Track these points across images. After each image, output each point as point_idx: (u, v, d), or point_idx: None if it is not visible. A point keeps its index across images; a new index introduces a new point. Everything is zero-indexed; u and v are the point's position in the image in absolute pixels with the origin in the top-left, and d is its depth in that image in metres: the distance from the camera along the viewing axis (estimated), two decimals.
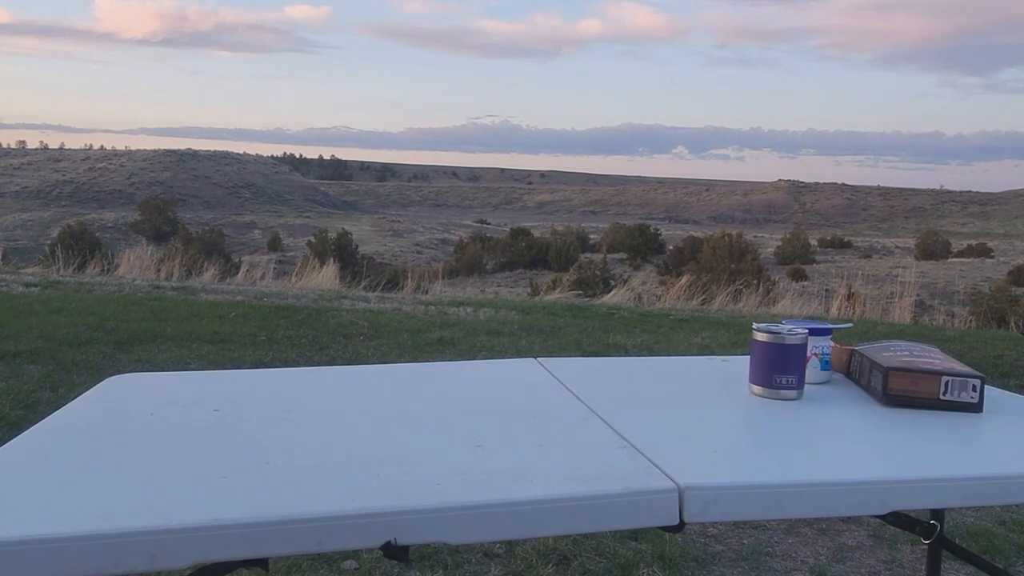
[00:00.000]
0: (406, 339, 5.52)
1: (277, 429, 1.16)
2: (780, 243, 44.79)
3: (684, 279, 10.03)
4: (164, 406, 1.25)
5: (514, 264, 36.73)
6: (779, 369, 1.34)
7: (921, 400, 1.27)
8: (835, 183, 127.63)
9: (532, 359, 1.61)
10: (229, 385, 1.42)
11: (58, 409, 1.23)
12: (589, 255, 35.93)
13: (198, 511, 0.86)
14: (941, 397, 1.26)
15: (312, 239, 32.61)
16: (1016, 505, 2.81)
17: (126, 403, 1.28)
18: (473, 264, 34.92)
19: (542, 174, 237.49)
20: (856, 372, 1.46)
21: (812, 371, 1.43)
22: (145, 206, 50.79)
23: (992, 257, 41.12)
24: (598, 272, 20.88)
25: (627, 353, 5.40)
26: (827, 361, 1.45)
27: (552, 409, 1.29)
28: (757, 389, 1.36)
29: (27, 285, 7.20)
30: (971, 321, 8.82)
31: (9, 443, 1.07)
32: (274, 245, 43.35)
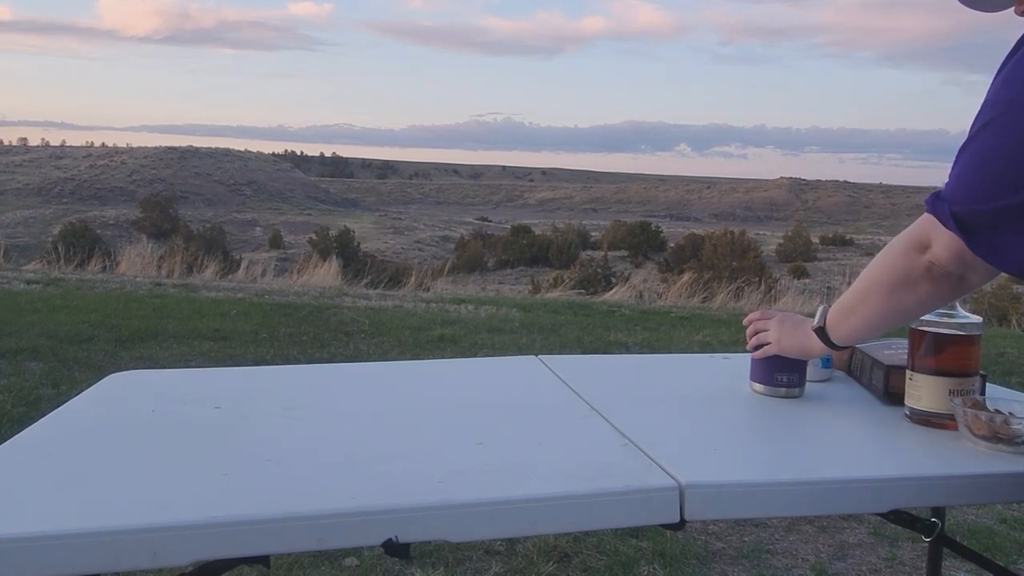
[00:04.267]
0: (407, 337, 5.52)
1: (278, 427, 1.16)
2: (782, 241, 44.79)
3: (685, 277, 10.03)
4: (165, 403, 1.25)
5: (515, 262, 36.76)
6: (779, 367, 1.34)
7: None
8: (837, 180, 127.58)
9: (533, 356, 1.61)
10: (230, 383, 1.42)
11: (59, 406, 1.23)
12: (590, 253, 35.95)
13: (199, 508, 0.86)
14: None
15: (313, 236, 32.64)
16: (1017, 503, 2.81)
17: (127, 400, 1.29)
18: (474, 262, 34.95)
19: (543, 171, 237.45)
20: (857, 370, 1.46)
21: (813, 369, 1.43)
22: (146, 203, 50.84)
23: None
24: (599, 270, 20.88)
25: (628, 351, 5.40)
26: (828, 359, 1.45)
27: (553, 407, 1.29)
28: (758, 387, 1.36)
29: (28, 282, 7.21)
30: None
31: (11, 440, 1.07)
32: (275, 243, 43.39)
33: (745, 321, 1.40)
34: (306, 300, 6.94)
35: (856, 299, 1.15)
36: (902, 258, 1.07)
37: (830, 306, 1.21)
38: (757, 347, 1.35)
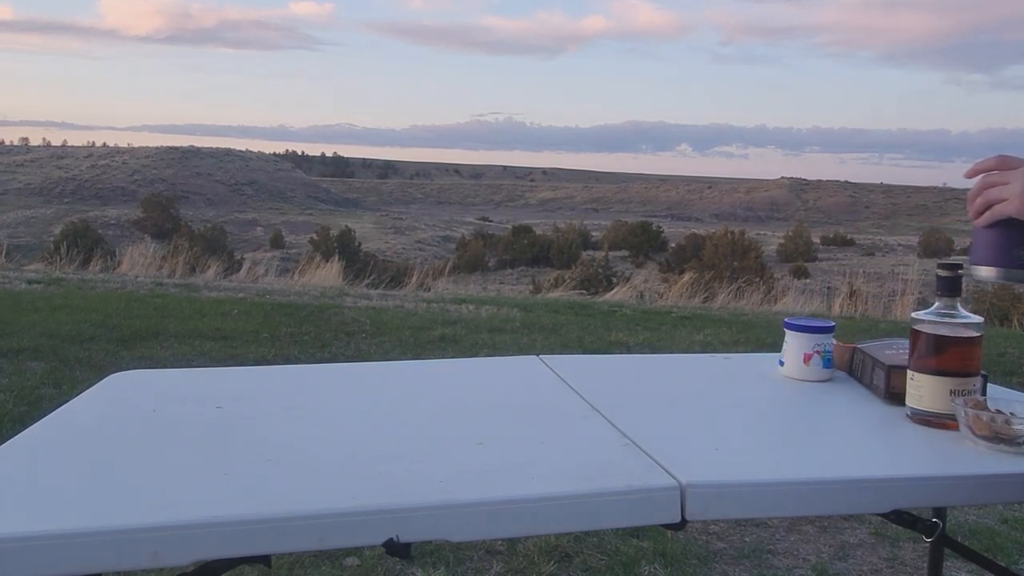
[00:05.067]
0: (408, 336, 5.52)
1: (279, 426, 1.16)
2: (782, 241, 44.78)
3: (686, 277, 10.03)
4: (166, 403, 1.25)
5: (516, 262, 36.74)
6: (1021, 239, 0.98)
7: None
8: (838, 180, 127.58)
9: (534, 356, 1.61)
10: (231, 382, 1.43)
11: (61, 406, 1.23)
12: (591, 253, 35.95)
13: (200, 508, 0.86)
14: None
15: (314, 236, 32.63)
16: (1018, 503, 2.81)
17: (128, 400, 1.29)
18: (475, 262, 34.94)
19: (544, 171, 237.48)
20: (858, 370, 1.46)
21: (814, 369, 1.43)
22: (148, 203, 50.83)
23: None
24: (600, 270, 20.88)
25: (629, 351, 5.40)
26: (829, 359, 1.45)
27: (554, 406, 1.29)
28: (986, 271, 1.04)
29: (30, 282, 7.21)
30: None
31: (12, 440, 1.07)
32: (276, 242, 43.38)
33: (968, 172, 1.00)
34: (307, 300, 6.94)
35: None
36: None
37: None
38: (989, 206, 0.98)
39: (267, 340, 5.23)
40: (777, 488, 0.98)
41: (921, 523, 1.35)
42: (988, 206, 0.98)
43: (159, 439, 1.10)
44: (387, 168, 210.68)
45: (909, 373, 1.22)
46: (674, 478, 0.96)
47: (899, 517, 1.13)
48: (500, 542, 2.42)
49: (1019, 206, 0.93)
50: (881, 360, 1.35)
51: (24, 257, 11.92)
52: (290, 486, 0.94)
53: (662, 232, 45.12)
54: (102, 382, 1.37)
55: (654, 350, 5.43)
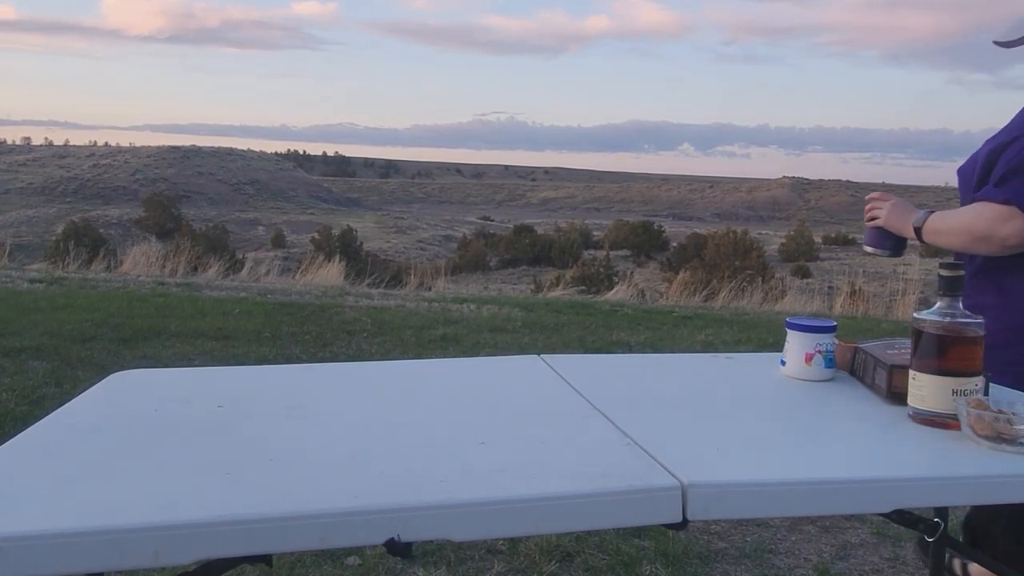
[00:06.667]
0: (409, 336, 5.52)
1: (280, 426, 1.16)
2: (784, 240, 44.71)
3: (687, 276, 10.02)
4: (168, 402, 1.26)
5: (517, 261, 36.74)
6: (887, 235, 1.65)
7: None
8: (840, 180, 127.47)
9: (535, 356, 1.61)
10: (233, 382, 1.43)
11: (63, 405, 1.23)
12: (592, 252, 35.95)
13: (202, 507, 0.86)
14: None
15: (316, 236, 32.62)
16: (1020, 503, 2.80)
17: (130, 399, 1.29)
18: (476, 261, 34.94)
19: (546, 171, 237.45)
20: (860, 370, 1.46)
21: (816, 369, 1.43)
22: (149, 203, 50.83)
23: None
24: (601, 269, 20.89)
25: (630, 350, 5.39)
26: (831, 359, 1.45)
27: (555, 406, 1.29)
28: (868, 249, 1.73)
29: (32, 281, 7.22)
30: None
31: (14, 439, 1.07)
32: (278, 242, 43.40)
33: (867, 196, 1.75)
34: (308, 299, 6.94)
35: (949, 228, 1.58)
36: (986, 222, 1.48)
37: (932, 212, 1.61)
38: (872, 219, 1.69)
39: (268, 340, 5.23)
40: (778, 488, 0.98)
41: (923, 523, 1.35)
42: (872, 218, 1.70)
43: (161, 438, 1.10)
44: (389, 168, 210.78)
45: (911, 373, 1.22)
46: (675, 478, 0.96)
47: (901, 517, 1.13)
48: (501, 542, 2.42)
49: (883, 221, 1.67)
50: (883, 360, 1.34)
51: (26, 257, 11.93)
52: (291, 485, 0.94)
53: (663, 231, 45.07)
54: (104, 381, 1.37)
55: (655, 350, 5.42)
